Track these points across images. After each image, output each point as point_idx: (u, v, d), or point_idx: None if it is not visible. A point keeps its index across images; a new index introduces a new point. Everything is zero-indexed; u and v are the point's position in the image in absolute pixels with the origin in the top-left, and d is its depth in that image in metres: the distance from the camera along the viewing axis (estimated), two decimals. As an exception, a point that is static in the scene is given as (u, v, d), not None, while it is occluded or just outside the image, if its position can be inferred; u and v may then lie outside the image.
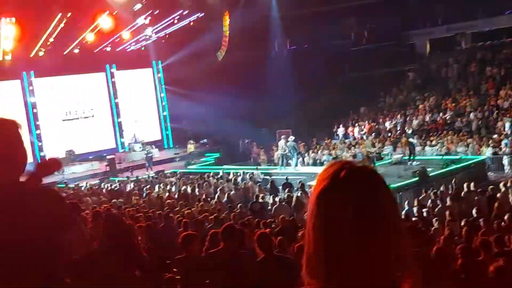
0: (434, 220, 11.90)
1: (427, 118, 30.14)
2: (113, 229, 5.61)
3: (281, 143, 25.50)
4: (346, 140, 30.24)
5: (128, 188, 22.17)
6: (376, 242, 1.40)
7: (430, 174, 20.50)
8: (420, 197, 15.76)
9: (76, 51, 33.04)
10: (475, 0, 38.14)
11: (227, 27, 34.21)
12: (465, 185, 16.13)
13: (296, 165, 25.17)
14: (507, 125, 25.82)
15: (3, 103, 29.44)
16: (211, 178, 23.14)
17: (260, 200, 17.38)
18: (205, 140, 35.73)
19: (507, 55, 33.32)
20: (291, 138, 25.56)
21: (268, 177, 23.25)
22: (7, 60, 29.74)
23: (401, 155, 24.14)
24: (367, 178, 1.47)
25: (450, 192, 16.10)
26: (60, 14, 28.30)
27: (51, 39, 30.49)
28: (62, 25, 29.16)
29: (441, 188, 16.69)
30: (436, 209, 13.64)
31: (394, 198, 1.51)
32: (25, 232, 2.51)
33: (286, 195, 17.86)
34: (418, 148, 23.73)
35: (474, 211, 13.00)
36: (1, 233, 2.50)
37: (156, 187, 21.57)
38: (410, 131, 26.15)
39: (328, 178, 1.49)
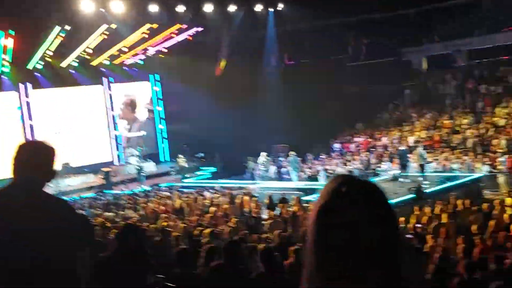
0: (429, 237, 11.86)
1: (423, 135, 30.18)
2: (131, 238, 5.60)
3: (260, 159, 25.79)
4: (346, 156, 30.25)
5: (123, 202, 22.08)
6: (376, 264, 1.36)
7: (426, 191, 20.50)
8: (415, 214, 15.73)
9: (74, 63, 33.12)
10: (472, 18, 38.49)
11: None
12: (460, 202, 16.12)
13: (296, 180, 25.23)
14: (503, 142, 25.89)
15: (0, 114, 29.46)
16: (206, 192, 23.09)
17: (255, 215, 17.32)
18: (201, 154, 35.69)
19: (504, 72, 33.49)
20: (292, 153, 25.67)
21: (264, 192, 23.22)
22: (5, 72, 29.77)
23: (398, 171, 24.14)
24: (369, 195, 1.43)
25: (445, 209, 16.06)
26: (59, 28, 28.41)
27: (49, 52, 30.59)
28: (60, 38, 29.29)
29: (437, 205, 16.65)
30: (431, 226, 13.59)
31: (396, 217, 1.46)
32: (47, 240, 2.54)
33: (280, 211, 17.80)
34: (414, 165, 23.70)
35: (471, 228, 12.97)
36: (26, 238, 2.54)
37: (151, 201, 21.48)
38: (404, 148, 26.10)
39: (329, 193, 1.44)
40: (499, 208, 15.06)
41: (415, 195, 19.69)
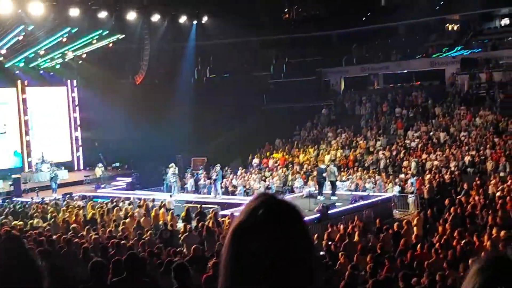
0: (340, 254, 12.13)
1: (339, 154, 30.95)
2: (11, 251, 5.30)
3: (171, 171, 25.79)
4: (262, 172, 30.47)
5: (32, 210, 21.21)
6: (289, 284, 1.38)
7: (332, 211, 20.86)
8: (329, 231, 16.06)
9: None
10: (389, 44, 40.15)
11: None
12: (372, 221, 16.62)
13: (221, 192, 25.19)
14: (413, 165, 26.96)
15: None
16: (121, 203, 22.60)
17: (170, 228, 17.13)
18: (117, 164, 34.95)
19: (416, 97, 34.99)
20: (218, 166, 25.62)
21: (180, 204, 23.01)
22: None
23: (313, 188, 24.54)
24: (286, 219, 1.44)
25: (357, 227, 16.50)
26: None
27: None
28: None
29: (349, 223, 17.09)
30: (343, 244, 13.91)
31: (312, 240, 1.49)
32: None
33: (196, 224, 17.69)
34: (327, 183, 24.14)
35: (380, 247, 13.37)
36: None
37: (62, 210, 20.76)
38: (322, 166, 26.62)
39: (246, 214, 1.44)
40: (406, 227, 15.63)
41: (319, 215, 19.95)
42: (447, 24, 41.99)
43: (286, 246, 1.40)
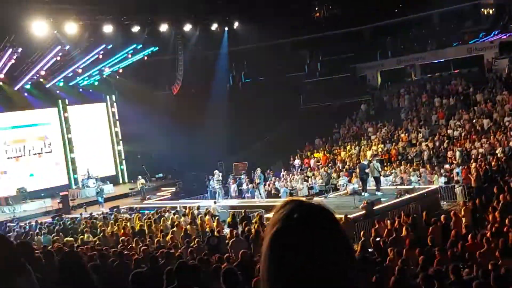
0: (389, 249, 11.98)
1: (380, 149, 30.61)
2: (70, 268, 5.43)
3: (215, 177, 26.07)
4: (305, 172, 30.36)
5: (81, 226, 21.64)
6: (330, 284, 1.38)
7: (378, 206, 20.57)
8: (376, 227, 15.89)
9: (28, 86, 32.56)
10: (424, 33, 39.52)
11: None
12: (419, 214, 16.36)
13: (264, 195, 25.37)
14: (458, 154, 26.46)
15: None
16: (167, 213, 22.84)
17: (217, 234, 17.22)
18: (160, 175, 35.39)
19: (455, 85, 34.34)
20: (259, 170, 25.80)
21: (225, 210, 23.14)
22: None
23: (357, 185, 24.32)
24: (320, 221, 1.44)
25: (404, 221, 16.28)
26: (10, 50, 27.90)
27: (1, 75, 30.01)
28: (13, 60, 28.81)
29: (396, 218, 16.86)
30: (391, 239, 13.74)
31: (348, 239, 1.48)
32: None
33: (242, 229, 17.75)
34: (370, 179, 23.91)
35: (428, 240, 13.16)
36: None
37: (110, 224, 21.12)
38: (365, 162, 26.34)
39: (280, 220, 1.46)
40: (454, 219, 15.35)
41: (365, 212, 19.67)
42: (482, 9, 41.08)
43: (325, 247, 1.40)
